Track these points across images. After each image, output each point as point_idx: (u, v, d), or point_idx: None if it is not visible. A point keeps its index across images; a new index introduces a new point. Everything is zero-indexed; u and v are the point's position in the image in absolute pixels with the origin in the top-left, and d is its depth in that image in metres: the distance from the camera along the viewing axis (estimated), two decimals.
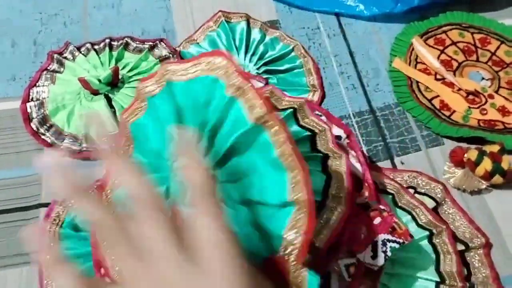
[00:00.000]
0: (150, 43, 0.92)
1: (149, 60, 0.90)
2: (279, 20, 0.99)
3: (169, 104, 0.54)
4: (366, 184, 0.64)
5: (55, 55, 0.91)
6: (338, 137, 0.68)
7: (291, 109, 0.64)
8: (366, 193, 0.62)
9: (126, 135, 0.59)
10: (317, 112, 0.71)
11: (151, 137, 0.56)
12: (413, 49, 0.95)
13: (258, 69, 0.90)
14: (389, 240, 0.59)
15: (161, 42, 0.92)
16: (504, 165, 0.76)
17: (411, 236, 0.60)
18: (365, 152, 0.83)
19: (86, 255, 0.63)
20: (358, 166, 0.66)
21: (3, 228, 0.74)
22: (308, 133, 0.63)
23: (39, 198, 0.78)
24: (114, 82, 0.86)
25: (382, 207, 0.62)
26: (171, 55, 0.90)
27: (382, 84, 0.91)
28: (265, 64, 0.90)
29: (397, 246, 0.58)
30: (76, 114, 0.85)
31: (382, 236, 0.59)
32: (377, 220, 0.60)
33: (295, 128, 0.63)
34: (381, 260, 0.58)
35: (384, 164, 0.82)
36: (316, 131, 0.63)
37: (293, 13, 1.01)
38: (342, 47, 0.96)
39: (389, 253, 0.58)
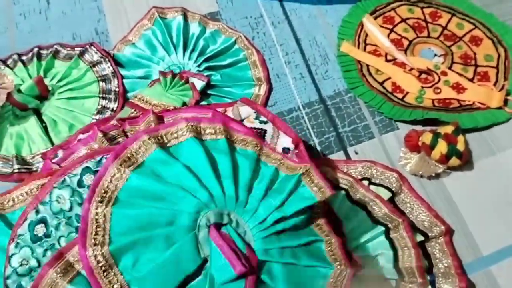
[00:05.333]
0: (81, 48, 0.85)
1: (80, 67, 0.83)
2: (219, 12, 0.93)
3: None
4: None
5: None
6: (286, 150, 0.62)
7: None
8: None
9: None
10: (262, 119, 0.66)
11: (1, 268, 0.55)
12: (361, 30, 0.90)
13: (199, 66, 0.84)
14: None
15: (92, 47, 0.85)
16: (460, 146, 0.72)
17: None
18: (317, 145, 0.78)
19: None
20: None
21: None
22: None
23: None
24: (43, 94, 0.79)
25: None
26: (103, 60, 0.83)
27: (331, 71, 0.86)
28: (206, 60, 0.85)
29: None
30: (5, 134, 0.78)
31: None
32: None
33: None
34: None
35: (338, 155, 0.77)
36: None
37: (234, 3, 0.95)
38: (287, 34, 0.91)
39: None
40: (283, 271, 0.49)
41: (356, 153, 0.77)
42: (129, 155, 0.51)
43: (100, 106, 0.80)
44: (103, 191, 0.49)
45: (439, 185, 0.74)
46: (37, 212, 0.52)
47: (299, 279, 0.49)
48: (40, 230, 0.51)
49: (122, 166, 0.50)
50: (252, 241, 0.50)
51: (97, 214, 0.47)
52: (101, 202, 0.48)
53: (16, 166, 0.74)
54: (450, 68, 0.84)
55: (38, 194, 0.52)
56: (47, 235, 0.51)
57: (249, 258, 0.47)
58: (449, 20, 0.90)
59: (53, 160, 0.59)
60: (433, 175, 0.74)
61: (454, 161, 0.72)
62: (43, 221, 0.52)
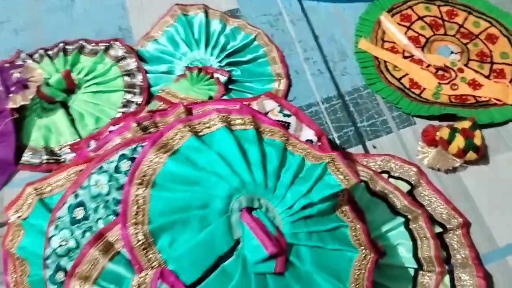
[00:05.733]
0: (105, 44, 0.88)
1: (105, 62, 0.86)
2: (239, 9, 0.96)
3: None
4: None
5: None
6: (309, 142, 0.64)
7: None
8: None
9: (18, 260, 0.61)
10: (286, 112, 0.68)
11: (39, 250, 0.57)
12: (379, 28, 0.92)
13: (220, 62, 0.86)
14: None
15: (116, 42, 0.87)
16: (477, 140, 0.74)
17: None
18: (336, 139, 0.80)
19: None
20: None
21: None
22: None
23: (1, 217, 0.74)
24: (70, 88, 0.82)
25: None
26: (127, 55, 0.86)
27: (349, 67, 0.88)
28: (227, 56, 0.87)
29: None
30: (34, 126, 0.80)
31: None
32: None
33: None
34: None
35: (356, 149, 0.79)
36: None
37: (254, 1, 0.97)
38: (306, 32, 0.93)
39: None
40: (310, 254, 0.51)
41: (375, 147, 0.79)
42: (165, 141, 0.54)
43: (125, 100, 0.82)
44: (142, 174, 0.51)
45: (456, 179, 0.76)
46: (76, 196, 0.55)
47: (326, 262, 0.51)
48: (79, 213, 0.54)
49: (160, 151, 0.53)
50: (281, 225, 0.53)
51: (137, 196, 0.50)
52: (140, 184, 0.51)
53: (44, 157, 0.76)
54: (466, 65, 0.86)
55: (77, 179, 0.55)
56: (85, 218, 0.54)
57: (279, 240, 0.49)
58: (466, 18, 0.92)
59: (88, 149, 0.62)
60: (450, 168, 0.75)
61: (471, 155, 0.74)
62: (82, 204, 0.54)
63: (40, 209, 0.58)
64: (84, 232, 0.53)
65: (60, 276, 0.52)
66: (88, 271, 0.49)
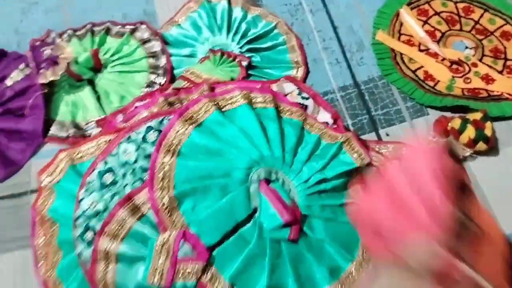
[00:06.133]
0: (131, 26, 0.91)
1: (131, 43, 0.89)
2: None
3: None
4: None
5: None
6: (325, 123, 0.68)
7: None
8: None
9: (48, 221, 0.64)
10: (304, 95, 0.71)
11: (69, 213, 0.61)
12: (396, 21, 0.94)
13: (241, 47, 0.89)
14: None
15: (142, 25, 0.91)
16: (487, 131, 0.76)
17: None
18: (350, 126, 0.83)
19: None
20: None
21: None
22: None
23: (29, 185, 0.78)
24: (97, 66, 0.86)
25: None
26: (152, 37, 0.89)
27: (366, 58, 0.91)
28: (248, 42, 0.90)
29: None
30: (61, 101, 0.84)
31: None
32: None
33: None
34: None
35: (370, 136, 0.82)
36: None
37: None
38: (325, 22, 0.96)
39: None
40: (323, 226, 0.54)
41: (387, 135, 0.82)
42: (191, 114, 0.57)
43: (149, 81, 0.85)
44: (169, 144, 0.55)
45: (466, 168, 0.78)
46: (106, 163, 0.59)
47: (337, 234, 0.54)
48: (108, 178, 0.58)
49: (186, 123, 0.56)
50: (296, 197, 0.56)
51: (163, 163, 0.54)
52: (167, 153, 0.54)
53: (71, 131, 0.80)
54: (480, 60, 0.88)
55: (107, 148, 0.59)
56: (114, 183, 0.57)
57: (294, 210, 0.53)
58: (482, 15, 0.94)
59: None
60: (460, 157, 0.78)
61: (481, 145, 0.76)
62: (111, 170, 0.58)
63: (71, 174, 0.62)
64: (113, 195, 0.57)
65: (89, 235, 0.56)
66: (117, 230, 0.53)
